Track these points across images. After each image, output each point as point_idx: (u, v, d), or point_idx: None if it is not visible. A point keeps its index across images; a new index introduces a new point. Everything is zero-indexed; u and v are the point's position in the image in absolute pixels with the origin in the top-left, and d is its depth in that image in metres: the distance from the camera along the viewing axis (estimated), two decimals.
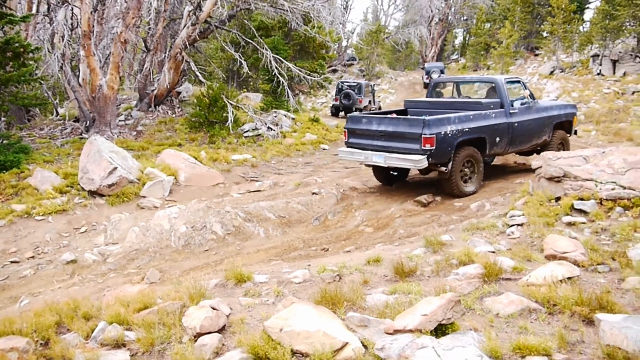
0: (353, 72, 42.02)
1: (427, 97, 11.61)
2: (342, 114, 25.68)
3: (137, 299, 4.53)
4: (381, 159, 9.23)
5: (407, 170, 10.58)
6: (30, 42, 14.46)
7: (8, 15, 12.85)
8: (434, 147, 8.56)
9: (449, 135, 8.75)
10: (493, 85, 10.32)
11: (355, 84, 26.49)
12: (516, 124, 9.86)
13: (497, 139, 9.60)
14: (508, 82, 10.30)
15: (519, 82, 10.70)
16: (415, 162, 8.71)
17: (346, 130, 10.05)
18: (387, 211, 8.96)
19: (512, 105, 9.88)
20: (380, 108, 28.22)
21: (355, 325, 3.71)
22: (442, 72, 35.83)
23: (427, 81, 34.77)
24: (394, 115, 10.03)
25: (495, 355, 3.23)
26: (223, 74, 26.74)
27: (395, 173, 10.74)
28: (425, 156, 8.61)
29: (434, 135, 8.54)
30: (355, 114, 11.42)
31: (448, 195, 9.32)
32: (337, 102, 25.86)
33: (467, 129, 9.00)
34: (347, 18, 40.08)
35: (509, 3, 38.40)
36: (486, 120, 9.37)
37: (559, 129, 11.02)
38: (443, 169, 8.97)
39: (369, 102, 26.08)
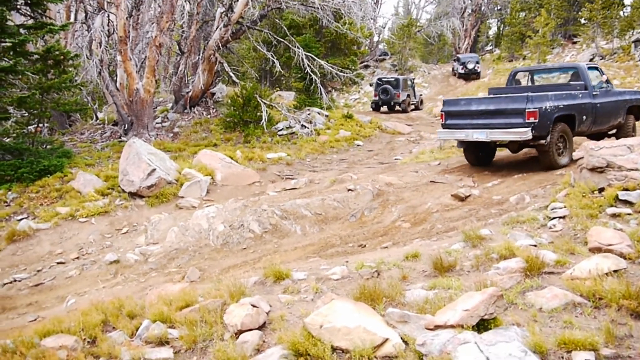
0: (385, 67, 41.72)
1: (507, 85, 12.29)
2: (384, 108, 26.74)
3: (179, 297, 4.62)
4: (483, 135, 9.94)
5: (494, 150, 11.59)
6: (69, 50, 14.91)
7: (48, 24, 13.25)
8: (536, 121, 9.26)
9: (548, 110, 9.42)
10: (576, 70, 11.21)
11: (393, 79, 27.16)
12: (598, 105, 10.53)
13: (584, 117, 10.29)
14: (589, 68, 10.96)
15: (597, 68, 11.37)
16: (520, 134, 9.37)
17: (443, 112, 10.71)
18: (423, 206, 8.88)
19: (594, 89, 10.55)
20: (422, 102, 28.94)
21: (395, 321, 3.69)
22: (477, 62, 36.08)
23: (463, 72, 35.52)
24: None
25: (539, 350, 3.16)
26: (256, 74, 26.97)
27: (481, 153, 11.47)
28: (530, 128, 9.25)
29: (537, 110, 9.25)
30: (452, 97, 12.31)
31: (545, 169, 9.90)
32: (377, 98, 26.77)
33: (561, 106, 9.70)
34: (378, 13, 39.83)
35: None
36: (576, 100, 10.12)
37: (629, 113, 11.67)
38: (543, 141, 9.57)
39: (407, 95, 26.65)
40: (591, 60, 27.95)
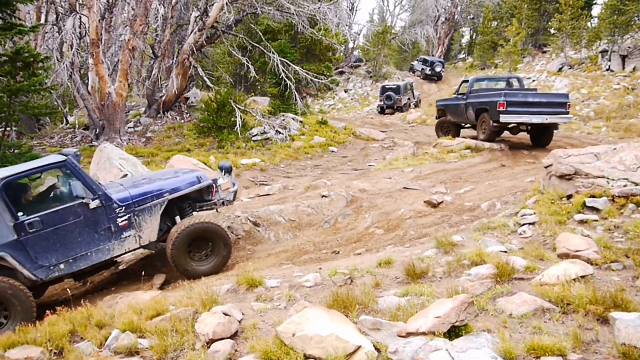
0: (360, 73, 41.95)
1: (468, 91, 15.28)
2: (388, 111, 30.07)
3: (150, 306, 4.55)
4: (540, 119, 13.04)
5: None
6: (39, 52, 14.60)
7: (17, 25, 12.95)
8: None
9: None
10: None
11: (395, 86, 30.59)
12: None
13: None
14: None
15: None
16: (567, 118, 13.73)
17: (505, 102, 13.00)
18: (397, 212, 8.93)
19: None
20: (420, 101, 32.44)
21: (367, 328, 3.70)
22: (443, 66, 39.98)
23: (430, 73, 39.20)
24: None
25: (509, 357, 3.20)
26: (230, 79, 26.84)
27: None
28: (568, 114, 13.53)
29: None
30: (511, 90, 14.67)
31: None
32: (382, 103, 30.25)
33: None
34: (353, 20, 40.08)
35: (516, 1, 38.24)
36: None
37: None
38: None
39: (408, 99, 30.27)
40: (560, 69, 28.63)
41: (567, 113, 13.34)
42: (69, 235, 6.34)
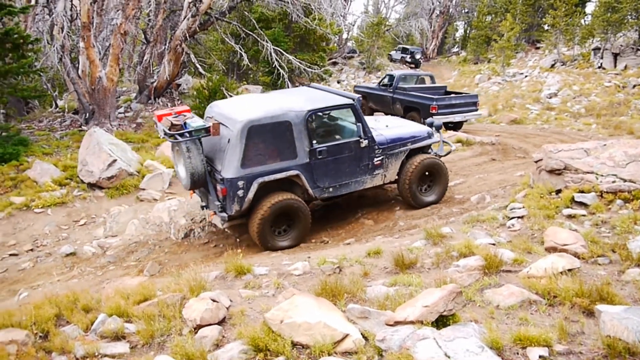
0: (353, 64, 41.78)
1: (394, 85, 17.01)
2: None
3: (137, 291, 4.53)
4: (460, 118, 15.46)
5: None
6: (29, 34, 14.41)
7: (7, 6, 12.78)
8: None
9: None
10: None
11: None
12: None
13: None
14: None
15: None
16: (478, 114, 16.23)
17: (436, 105, 14.74)
18: (387, 203, 8.94)
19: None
20: None
21: (355, 317, 3.70)
22: (422, 54, 42.52)
23: (410, 60, 40.94)
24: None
25: (496, 347, 3.22)
26: (223, 66, 26.64)
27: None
28: (478, 111, 16.22)
29: None
30: (440, 96, 15.98)
31: None
32: None
33: None
34: (348, 10, 39.81)
35: None
36: None
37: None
38: None
39: None
40: (552, 66, 28.71)
41: (477, 110, 16.06)
42: (341, 165, 7.63)
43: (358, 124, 7.62)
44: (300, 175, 7.21)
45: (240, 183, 6.86)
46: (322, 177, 7.49)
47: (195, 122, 6.95)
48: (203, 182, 7.10)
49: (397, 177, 8.45)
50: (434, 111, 14.60)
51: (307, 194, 7.46)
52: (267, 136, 6.96)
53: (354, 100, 7.67)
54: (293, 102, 7.47)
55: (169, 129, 6.78)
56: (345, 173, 7.71)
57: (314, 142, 7.29)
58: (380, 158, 8.00)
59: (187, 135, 6.81)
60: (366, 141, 7.72)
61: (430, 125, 9.16)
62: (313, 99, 7.68)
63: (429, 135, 8.80)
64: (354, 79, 38.10)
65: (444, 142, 9.36)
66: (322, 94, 8.12)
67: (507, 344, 3.30)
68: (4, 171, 11.20)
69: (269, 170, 7.01)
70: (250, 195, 6.93)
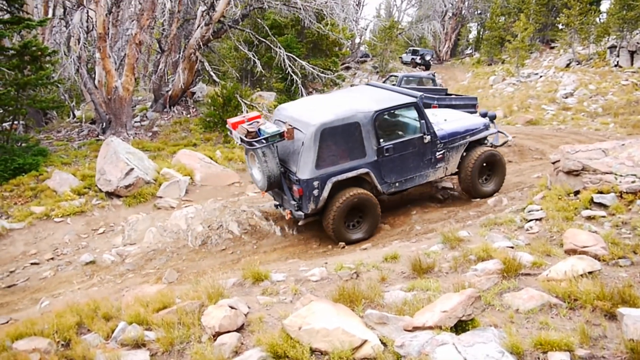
0: (367, 69, 41.80)
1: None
2: None
3: (156, 299, 4.57)
4: None
5: None
6: (47, 46, 14.63)
7: (25, 19, 13.00)
8: None
9: None
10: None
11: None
12: None
13: None
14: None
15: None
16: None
17: (437, 105, 15.14)
18: (403, 208, 8.92)
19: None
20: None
21: (373, 322, 3.69)
22: (432, 56, 43.89)
23: (420, 62, 42.38)
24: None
25: (516, 351, 3.19)
26: (237, 74, 26.83)
27: None
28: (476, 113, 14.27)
29: None
30: (442, 96, 17.11)
31: None
32: None
33: None
34: (360, 15, 39.89)
35: None
36: None
37: None
38: None
39: None
40: (567, 65, 28.40)
41: (476, 112, 15.65)
42: (406, 161, 7.98)
43: (422, 121, 7.97)
44: (370, 172, 7.62)
45: (316, 183, 7.30)
46: (389, 173, 7.90)
47: (269, 128, 7.26)
48: (278, 183, 7.55)
49: (457, 169, 8.76)
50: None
51: (375, 190, 7.86)
52: (338, 137, 7.36)
53: (417, 98, 7.98)
54: (360, 102, 7.81)
55: (245, 136, 7.10)
56: (410, 168, 8.09)
57: (381, 140, 7.67)
58: (442, 152, 8.36)
59: (264, 141, 7.13)
60: (429, 137, 8.08)
61: (485, 115, 9.38)
62: (378, 99, 7.99)
63: (486, 127, 9.03)
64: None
65: (499, 132, 9.54)
66: (386, 93, 8.39)
67: (528, 349, 3.26)
68: (24, 181, 11.38)
69: (340, 170, 7.44)
70: (325, 194, 7.37)
